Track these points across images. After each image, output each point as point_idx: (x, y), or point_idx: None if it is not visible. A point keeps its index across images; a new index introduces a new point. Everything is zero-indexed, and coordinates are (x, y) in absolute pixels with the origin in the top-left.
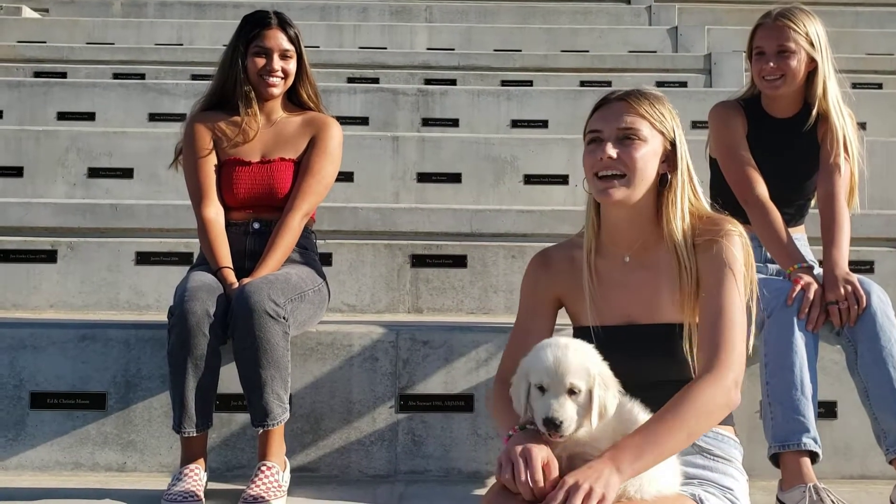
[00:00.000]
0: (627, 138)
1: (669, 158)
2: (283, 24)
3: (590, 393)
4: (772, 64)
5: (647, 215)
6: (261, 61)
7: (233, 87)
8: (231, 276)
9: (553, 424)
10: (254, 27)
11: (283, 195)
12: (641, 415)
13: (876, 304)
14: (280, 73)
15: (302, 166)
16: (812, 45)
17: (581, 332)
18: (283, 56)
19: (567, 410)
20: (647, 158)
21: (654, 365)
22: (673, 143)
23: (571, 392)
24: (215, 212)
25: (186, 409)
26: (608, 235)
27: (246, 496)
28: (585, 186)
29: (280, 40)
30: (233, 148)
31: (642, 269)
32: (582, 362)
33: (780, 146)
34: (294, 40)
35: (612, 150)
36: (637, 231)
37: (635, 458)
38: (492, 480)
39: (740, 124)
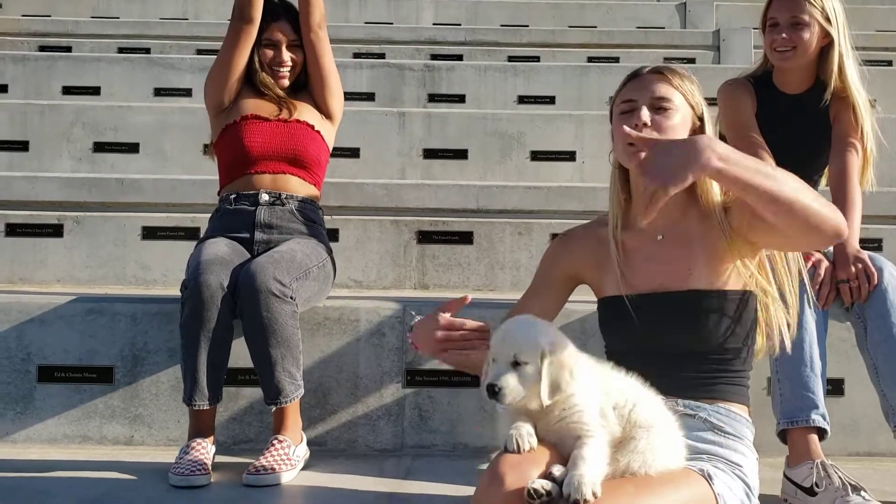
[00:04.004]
0: (662, 108)
1: (697, 132)
2: (290, 15)
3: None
4: (784, 35)
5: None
6: (270, 53)
7: (252, 80)
8: None
9: (492, 391)
10: (262, 20)
11: (303, 157)
12: (630, 388)
13: (887, 280)
14: (289, 64)
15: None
16: (828, 19)
17: (606, 302)
18: (291, 46)
19: (507, 380)
20: (678, 128)
21: (683, 332)
22: (701, 118)
23: (517, 364)
24: None
25: (198, 382)
26: (637, 212)
27: (251, 468)
28: (611, 160)
29: (287, 31)
30: (250, 107)
31: (675, 242)
32: (531, 337)
33: (789, 122)
34: (299, 29)
35: (646, 117)
36: (671, 203)
37: (726, 153)
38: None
39: (749, 103)
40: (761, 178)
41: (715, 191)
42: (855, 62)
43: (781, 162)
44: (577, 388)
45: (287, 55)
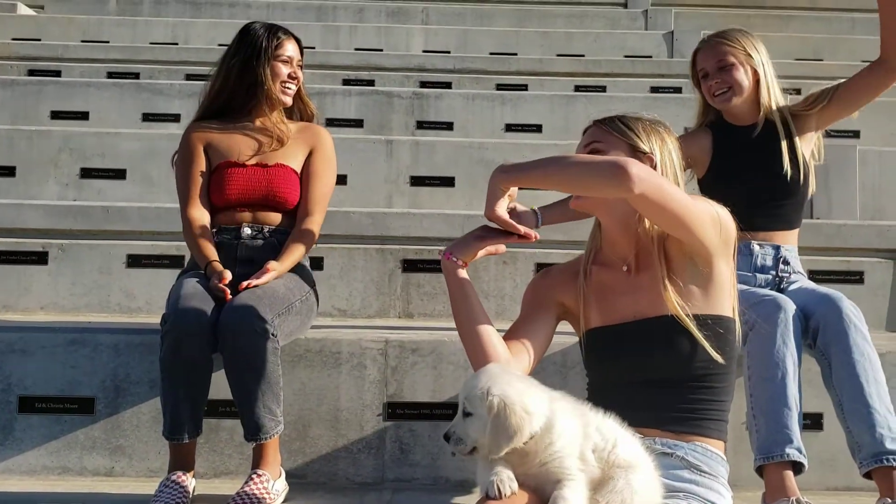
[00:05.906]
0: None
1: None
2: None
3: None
4: (717, 80)
5: (638, 225)
6: (287, 69)
7: (249, 95)
8: (219, 266)
9: (446, 439)
10: (274, 36)
11: (283, 199)
12: (608, 428)
13: (848, 318)
14: (298, 79)
15: (307, 176)
16: (749, 55)
17: (587, 336)
18: (298, 64)
19: (458, 428)
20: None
21: (661, 357)
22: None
23: (467, 413)
24: (199, 212)
25: (178, 416)
26: (607, 247)
27: (230, 502)
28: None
29: (295, 50)
30: (228, 153)
31: (645, 271)
32: (482, 386)
33: (753, 149)
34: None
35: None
36: (630, 239)
37: (513, 170)
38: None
39: (696, 144)
40: (552, 173)
41: (650, 227)
42: (781, 93)
43: (764, 192)
44: (557, 434)
45: (298, 72)
